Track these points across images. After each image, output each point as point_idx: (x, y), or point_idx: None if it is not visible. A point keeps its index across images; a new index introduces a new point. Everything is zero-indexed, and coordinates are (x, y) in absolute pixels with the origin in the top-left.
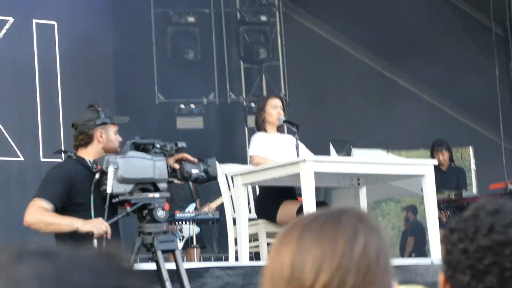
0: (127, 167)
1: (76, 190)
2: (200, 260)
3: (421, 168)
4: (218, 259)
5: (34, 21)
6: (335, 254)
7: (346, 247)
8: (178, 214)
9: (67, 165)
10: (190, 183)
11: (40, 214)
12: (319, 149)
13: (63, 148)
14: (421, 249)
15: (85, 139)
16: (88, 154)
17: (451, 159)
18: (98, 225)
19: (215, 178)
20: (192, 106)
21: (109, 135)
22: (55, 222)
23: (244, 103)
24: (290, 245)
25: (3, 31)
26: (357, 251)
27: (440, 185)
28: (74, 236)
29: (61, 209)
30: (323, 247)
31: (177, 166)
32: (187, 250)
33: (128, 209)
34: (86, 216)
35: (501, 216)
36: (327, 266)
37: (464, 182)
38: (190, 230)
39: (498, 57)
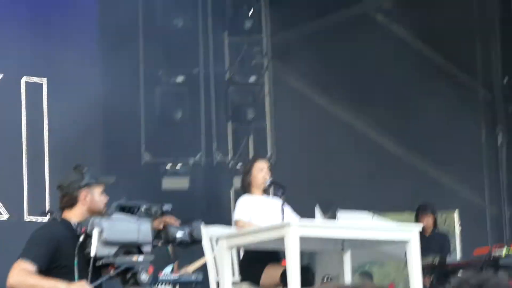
0: (112, 230)
1: (60, 252)
2: None
3: (406, 233)
4: None
5: (23, 78)
6: None
7: None
8: (161, 277)
9: (52, 226)
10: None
11: (24, 276)
12: (305, 209)
13: (48, 208)
14: None
15: (69, 201)
16: (73, 215)
17: (435, 224)
18: None
19: (199, 241)
20: (178, 166)
21: (94, 196)
22: (39, 285)
23: (231, 164)
24: None
25: None
26: None
27: (423, 250)
28: None
29: (45, 270)
30: None
31: (161, 227)
32: None
33: (112, 272)
34: (69, 278)
35: None
36: None
37: (447, 248)
38: None
39: (485, 121)
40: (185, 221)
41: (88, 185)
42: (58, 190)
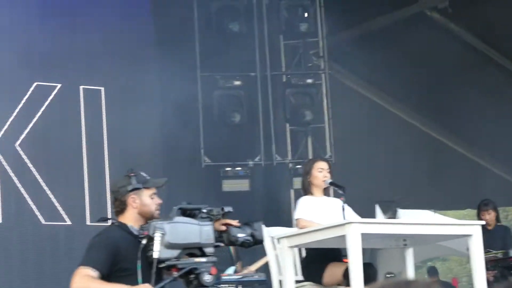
0: (174, 233)
1: (120, 256)
2: None
3: (468, 228)
4: None
5: (81, 87)
6: None
7: None
8: (224, 277)
9: (110, 231)
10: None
11: (86, 282)
12: (366, 210)
13: (109, 212)
14: None
15: (119, 206)
16: (127, 219)
17: (497, 218)
18: None
19: (261, 242)
20: (238, 168)
21: (143, 200)
22: None
23: (290, 165)
24: None
25: (51, 97)
26: None
27: (486, 245)
28: None
29: (107, 275)
30: None
31: (223, 228)
32: None
33: (175, 274)
34: (131, 281)
35: None
36: None
37: (510, 241)
38: None
39: None
40: (246, 223)
41: (135, 189)
42: (111, 195)
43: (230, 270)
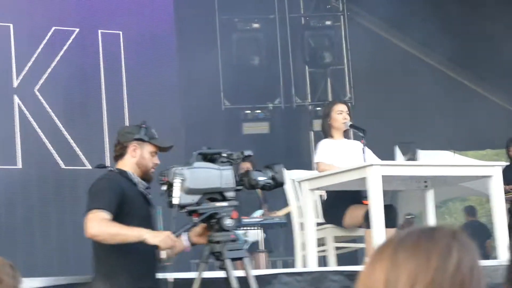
0: (194, 178)
1: (125, 200)
2: (267, 265)
3: (488, 169)
4: (284, 262)
5: (100, 31)
6: (429, 269)
7: (440, 262)
8: (244, 220)
9: (113, 175)
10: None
11: (105, 226)
12: (385, 151)
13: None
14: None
15: (119, 150)
16: (125, 166)
17: None
18: (166, 240)
19: (282, 184)
20: (258, 111)
21: (143, 152)
22: (122, 233)
23: (310, 108)
24: (384, 261)
25: (69, 41)
26: (451, 267)
27: None
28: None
29: (115, 218)
30: (417, 263)
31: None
32: (253, 255)
33: (196, 219)
34: (133, 225)
35: None
36: (421, 280)
37: None
38: (256, 235)
39: None
40: (267, 165)
41: (140, 140)
42: (116, 137)
43: (258, 213)
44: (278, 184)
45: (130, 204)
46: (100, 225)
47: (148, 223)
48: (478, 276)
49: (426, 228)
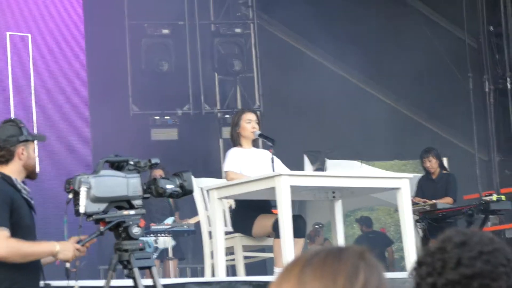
0: (100, 186)
1: (13, 209)
2: (175, 272)
3: (396, 181)
4: (193, 270)
5: (8, 33)
6: None
7: (346, 283)
8: (153, 226)
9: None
10: None
11: (15, 246)
12: (294, 160)
13: None
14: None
15: (6, 156)
16: (10, 171)
17: (441, 166)
18: (75, 253)
19: (190, 192)
20: (167, 117)
21: (30, 152)
22: (32, 251)
23: (219, 115)
24: (291, 280)
25: None
26: (358, 287)
27: (432, 194)
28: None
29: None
30: (324, 283)
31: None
32: (164, 261)
33: (102, 228)
34: (30, 238)
35: (468, 248)
36: None
37: (453, 188)
38: (165, 242)
39: (472, 70)
40: (175, 173)
41: (26, 140)
42: None
43: (169, 220)
44: (186, 192)
45: (17, 213)
46: (8, 246)
47: (32, 232)
48: None
49: (333, 248)
